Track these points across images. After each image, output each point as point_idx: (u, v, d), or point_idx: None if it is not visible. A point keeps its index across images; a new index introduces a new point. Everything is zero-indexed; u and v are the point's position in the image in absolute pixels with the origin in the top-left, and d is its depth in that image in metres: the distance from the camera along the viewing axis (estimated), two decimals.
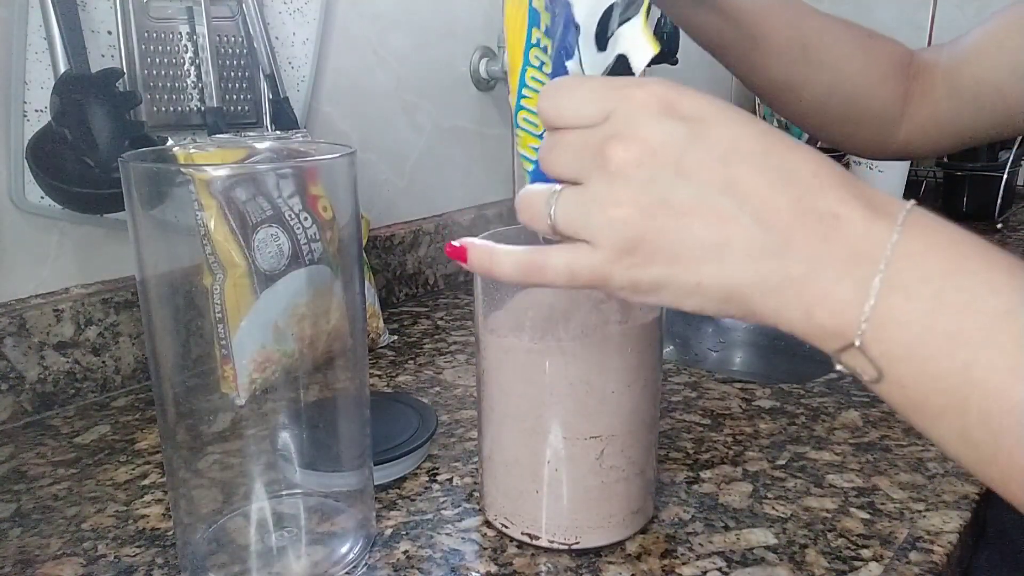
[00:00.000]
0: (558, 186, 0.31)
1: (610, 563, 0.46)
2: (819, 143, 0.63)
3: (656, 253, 0.29)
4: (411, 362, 0.77)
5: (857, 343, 0.27)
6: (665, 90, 0.29)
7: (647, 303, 0.32)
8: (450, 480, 0.55)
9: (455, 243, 0.35)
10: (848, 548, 0.47)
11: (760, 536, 0.48)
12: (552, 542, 0.46)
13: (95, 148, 0.63)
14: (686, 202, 0.28)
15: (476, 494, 0.53)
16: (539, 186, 0.32)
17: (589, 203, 0.30)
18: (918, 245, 0.27)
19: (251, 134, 0.75)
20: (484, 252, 0.34)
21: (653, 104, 0.29)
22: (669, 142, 0.28)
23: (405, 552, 0.47)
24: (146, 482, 0.55)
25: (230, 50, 0.75)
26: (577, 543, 0.46)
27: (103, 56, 0.67)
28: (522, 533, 0.47)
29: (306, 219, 0.51)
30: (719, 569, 0.45)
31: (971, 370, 0.26)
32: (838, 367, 0.29)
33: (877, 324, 0.27)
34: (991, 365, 0.26)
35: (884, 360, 0.27)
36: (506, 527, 0.48)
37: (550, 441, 0.45)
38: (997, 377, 0.26)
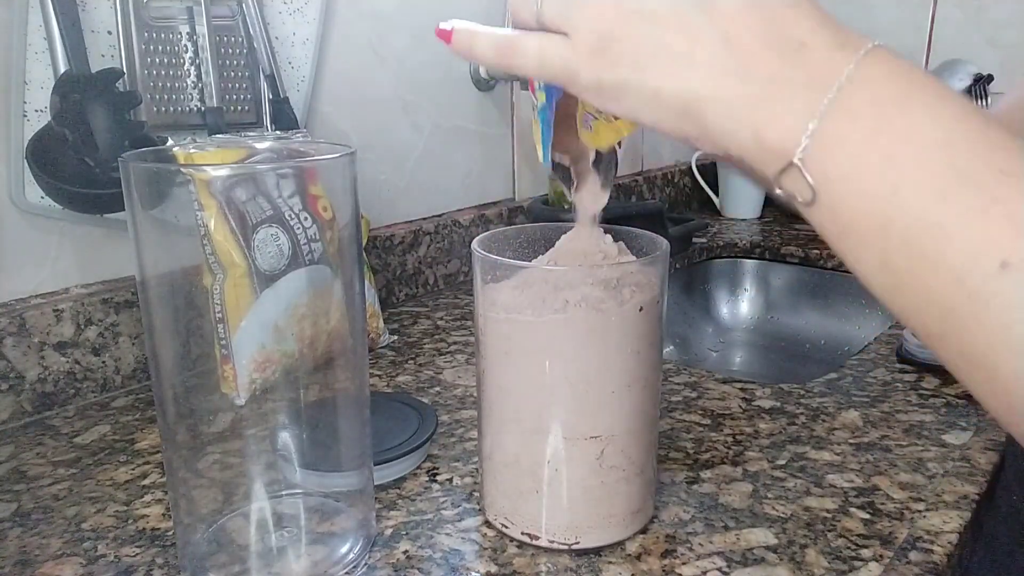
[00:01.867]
0: None
1: (610, 563, 0.46)
2: None
3: (624, 55, 0.30)
4: (411, 362, 0.77)
5: (796, 160, 0.28)
6: None
7: (608, 109, 0.33)
8: (450, 480, 0.55)
9: (442, 25, 0.37)
10: (848, 548, 0.47)
11: (760, 536, 0.48)
12: (552, 542, 0.46)
13: (95, 148, 0.63)
14: (660, 12, 0.29)
15: (476, 494, 0.53)
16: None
17: (571, 3, 0.31)
18: (873, 73, 0.28)
19: (251, 134, 0.75)
20: (466, 34, 0.36)
21: None
22: None
23: (405, 552, 0.47)
24: (146, 482, 0.55)
25: (230, 50, 0.75)
26: (577, 543, 0.46)
27: (103, 56, 0.67)
28: (522, 533, 0.47)
29: (306, 219, 0.51)
30: (719, 569, 0.45)
31: (898, 192, 0.26)
32: (776, 191, 0.29)
33: (818, 144, 0.27)
34: (917, 188, 0.26)
35: (820, 180, 0.28)
36: (506, 527, 0.48)
37: (550, 441, 0.45)
38: (921, 201, 0.26)
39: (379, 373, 0.74)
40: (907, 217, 0.26)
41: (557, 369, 0.44)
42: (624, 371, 0.44)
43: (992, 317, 0.26)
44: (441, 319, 0.90)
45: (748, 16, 0.29)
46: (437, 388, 0.70)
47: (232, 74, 0.75)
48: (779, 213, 1.40)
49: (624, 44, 0.30)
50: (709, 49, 0.29)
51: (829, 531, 0.48)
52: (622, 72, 0.31)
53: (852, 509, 0.51)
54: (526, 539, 0.47)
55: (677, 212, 1.33)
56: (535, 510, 0.47)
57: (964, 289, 0.26)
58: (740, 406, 0.66)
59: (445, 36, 0.37)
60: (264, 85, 0.77)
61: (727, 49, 0.29)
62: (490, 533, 0.49)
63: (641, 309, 0.44)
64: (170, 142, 0.68)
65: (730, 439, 0.60)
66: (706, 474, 0.55)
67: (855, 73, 0.28)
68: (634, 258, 0.49)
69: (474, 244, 0.47)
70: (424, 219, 1.01)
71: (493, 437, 0.48)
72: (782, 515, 0.50)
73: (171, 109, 0.71)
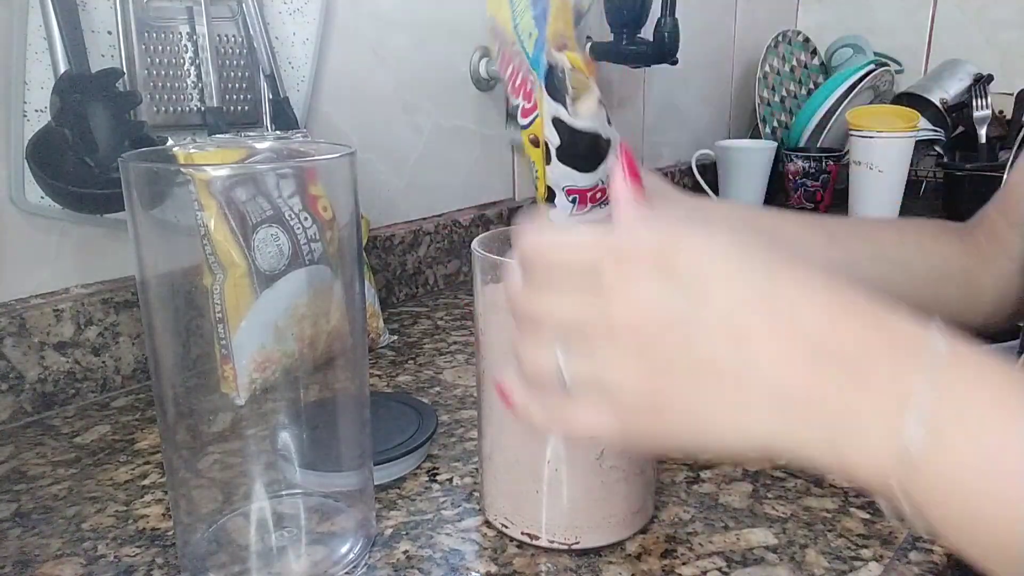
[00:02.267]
0: (560, 354, 0.31)
1: (610, 563, 0.46)
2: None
3: (670, 410, 0.29)
4: (411, 362, 0.77)
5: (894, 485, 0.26)
6: (659, 245, 0.28)
7: (671, 452, 0.33)
8: (450, 480, 0.55)
9: (503, 388, 0.35)
10: (848, 548, 0.47)
11: (760, 536, 0.48)
12: (552, 542, 0.46)
13: (95, 148, 0.63)
14: (696, 365, 0.28)
15: (476, 494, 0.53)
16: (541, 354, 0.31)
17: (600, 370, 0.30)
18: (946, 382, 0.26)
19: (251, 134, 0.75)
20: (522, 397, 0.34)
21: (648, 263, 0.28)
22: (671, 310, 0.28)
23: (405, 552, 0.47)
24: (146, 482, 0.55)
25: (230, 50, 0.75)
26: (577, 543, 0.46)
27: (103, 56, 0.67)
28: (522, 533, 0.47)
29: (306, 219, 0.51)
30: (719, 569, 0.45)
31: (1017, 506, 0.25)
32: (880, 504, 0.28)
33: (911, 468, 0.26)
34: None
35: (923, 504, 0.26)
36: (506, 527, 0.48)
37: (550, 441, 0.45)
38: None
39: (379, 373, 0.74)
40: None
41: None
42: None
43: None
44: (441, 319, 0.90)
45: (790, 347, 0.27)
46: (437, 388, 0.70)
47: (232, 74, 0.75)
48: None
49: (669, 402, 0.28)
50: (760, 391, 0.27)
51: (829, 531, 0.48)
52: (672, 425, 0.29)
53: (852, 509, 0.51)
54: (526, 539, 0.47)
55: None
56: (535, 510, 0.47)
57: None
58: None
59: (505, 399, 0.35)
60: (264, 85, 0.77)
61: (781, 386, 0.27)
62: (490, 533, 0.49)
63: None
64: (170, 142, 0.68)
65: None
66: (706, 474, 0.55)
67: (927, 389, 0.26)
68: None
69: (474, 244, 0.47)
70: (424, 219, 1.01)
71: (493, 437, 0.48)
72: (782, 515, 0.50)
73: (171, 109, 0.71)
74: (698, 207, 0.54)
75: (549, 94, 0.46)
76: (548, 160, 0.50)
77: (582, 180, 0.50)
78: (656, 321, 0.28)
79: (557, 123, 0.46)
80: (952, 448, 0.25)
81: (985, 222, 0.58)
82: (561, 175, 0.49)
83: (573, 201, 0.50)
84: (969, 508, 0.25)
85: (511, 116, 0.50)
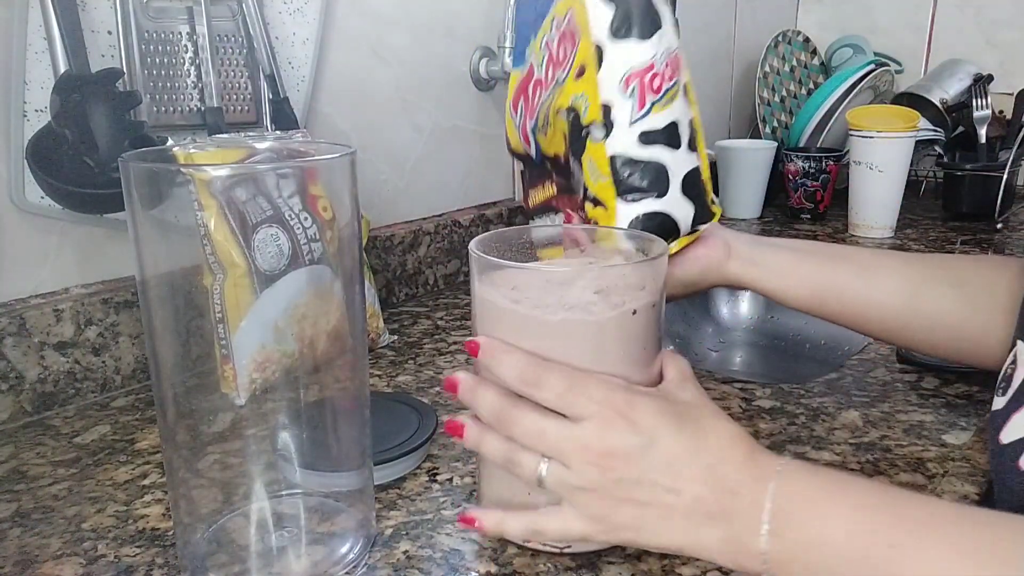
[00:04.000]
0: (543, 460, 0.41)
1: (610, 563, 0.46)
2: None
3: (621, 525, 0.41)
4: (411, 362, 0.77)
5: (766, 567, 0.38)
6: (625, 406, 0.41)
7: (626, 544, 0.46)
8: (450, 480, 0.55)
9: (467, 513, 0.45)
10: None
11: None
12: (544, 545, 0.46)
13: (95, 148, 0.63)
14: (643, 498, 0.40)
15: (476, 494, 0.53)
16: (527, 454, 0.42)
17: (575, 486, 0.41)
18: (783, 494, 0.39)
19: (251, 134, 0.75)
20: (493, 516, 0.44)
21: (616, 417, 0.40)
22: (631, 450, 0.40)
23: (405, 552, 0.47)
24: (146, 482, 0.55)
25: (230, 50, 0.75)
26: (569, 547, 0.46)
27: (103, 56, 0.67)
28: None
29: (306, 219, 0.51)
30: (719, 569, 0.45)
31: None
32: None
33: (773, 560, 0.38)
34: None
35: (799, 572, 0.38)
36: None
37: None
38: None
39: (379, 373, 0.74)
40: None
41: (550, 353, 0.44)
42: (618, 374, 0.44)
43: None
44: (441, 319, 0.90)
45: (703, 485, 0.39)
46: (437, 388, 0.70)
47: (232, 74, 0.75)
48: (779, 213, 1.40)
49: (620, 519, 0.41)
50: (682, 515, 0.40)
51: None
52: (623, 534, 0.41)
53: None
54: (520, 541, 0.47)
55: None
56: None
57: None
58: (740, 406, 0.66)
59: (469, 522, 0.45)
60: (264, 85, 0.77)
61: (694, 512, 0.39)
62: None
63: (635, 312, 0.44)
64: (170, 142, 0.68)
65: None
66: None
67: (771, 506, 0.38)
68: (633, 260, 0.49)
69: (471, 245, 0.47)
70: (424, 219, 1.01)
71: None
72: None
73: (171, 109, 0.71)
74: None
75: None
76: (600, 61, 0.53)
77: (639, 54, 0.52)
78: (622, 457, 0.40)
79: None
80: (790, 543, 0.38)
81: None
82: (618, 60, 0.52)
83: (607, 129, 0.53)
84: None
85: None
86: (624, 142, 0.54)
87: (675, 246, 0.58)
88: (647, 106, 0.53)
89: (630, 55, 0.53)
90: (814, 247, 0.63)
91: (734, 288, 0.65)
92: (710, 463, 0.40)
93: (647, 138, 0.54)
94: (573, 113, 0.55)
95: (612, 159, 0.54)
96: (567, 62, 0.56)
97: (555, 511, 0.42)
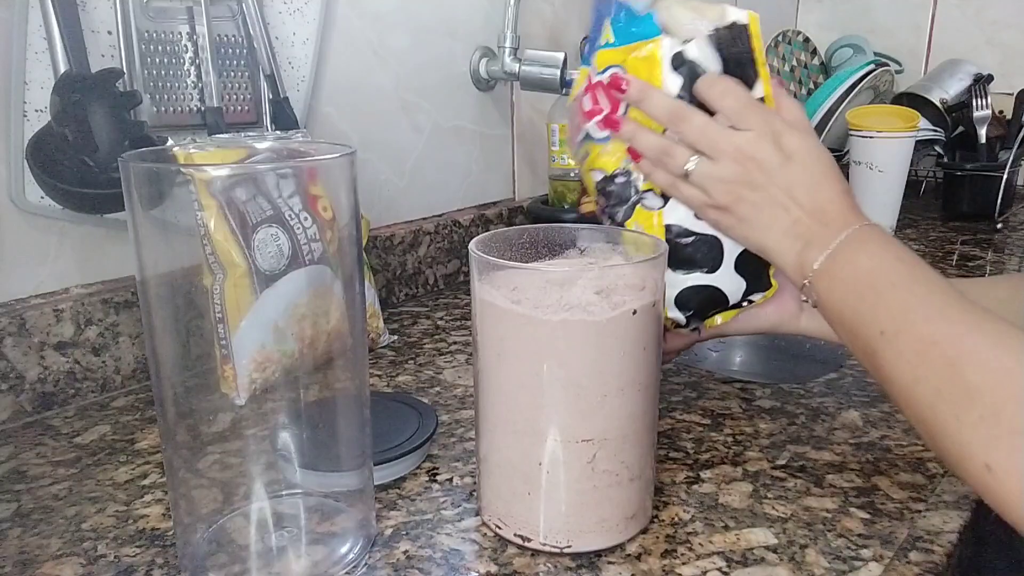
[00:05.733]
0: (692, 155, 0.51)
1: (610, 563, 0.46)
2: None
3: (736, 214, 0.51)
4: (411, 362, 0.77)
5: (807, 283, 0.49)
6: (781, 129, 0.51)
7: (719, 230, 0.54)
8: (450, 480, 0.55)
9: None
10: (848, 548, 0.47)
11: (760, 536, 0.48)
12: (544, 544, 0.46)
13: (95, 148, 0.63)
14: (764, 197, 0.51)
15: (476, 494, 0.53)
16: (677, 146, 0.52)
17: (716, 177, 0.51)
18: (854, 243, 0.48)
19: (251, 134, 0.75)
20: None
21: (769, 136, 0.50)
22: (771, 163, 0.50)
23: (405, 552, 0.47)
24: (146, 482, 0.55)
25: (230, 50, 0.75)
26: (569, 547, 0.46)
27: (103, 56, 0.67)
28: (515, 535, 0.47)
29: (306, 219, 0.51)
30: (719, 569, 0.45)
31: (861, 313, 0.46)
32: (802, 295, 0.51)
33: (818, 275, 0.48)
34: (874, 312, 0.45)
35: (819, 297, 0.49)
36: (499, 528, 0.48)
37: (543, 444, 0.45)
38: (878, 320, 0.45)
39: (379, 373, 0.74)
40: (869, 330, 0.45)
41: (549, 372, 0.44)
42: (616, 375, 0.44)
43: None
44: (441, 319, 0.90)
45: (810, 210, 0.50)
46: (437, 388, 0.70)
47: (232, 74, 0.75)
48: None
49: (739, 210, 0.51)
50: (784, 224, 0.50)
51: (829, 531, 0.48)
52: (732, 221, 0.52)
53: (852, 509, 0.51)
54: (519, 541, 0.47)
55: None
56: (528, 512, 0.46)
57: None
58: (740, 406, 0.66)
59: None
60: (264, 85, 0.77)
61: (794, 226, 0.50)
62: (490, 533, 0.49)
63: (635, 312, 0.44)
64: (170, 142, 0.68)
65: (730, 439, 0.60)
66: (706, 474, 0.55)
67: (844, 241, 0.48)
68: (631, 260, 0.49)
69: (471, 245, 0.47)
70: (424, 219, 1.01)
71: (488, 438, 0.48)
72: (782, 515, 0.50)
73: (171, 109, 0.71)
74: None
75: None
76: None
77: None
78: (761, 166, 0.50)
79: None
80: (840, 266, 0.48)
81: None
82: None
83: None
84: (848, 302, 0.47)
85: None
86: (680, 213, 0.54)
87: (721, 318, 0.59)
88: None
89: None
90: None
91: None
92: (819, 200, 0.50)
93: None
94: (624, 177, 0.55)
95: (667, 227, 0.54)
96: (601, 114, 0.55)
97: (691, 186, 0.52)
